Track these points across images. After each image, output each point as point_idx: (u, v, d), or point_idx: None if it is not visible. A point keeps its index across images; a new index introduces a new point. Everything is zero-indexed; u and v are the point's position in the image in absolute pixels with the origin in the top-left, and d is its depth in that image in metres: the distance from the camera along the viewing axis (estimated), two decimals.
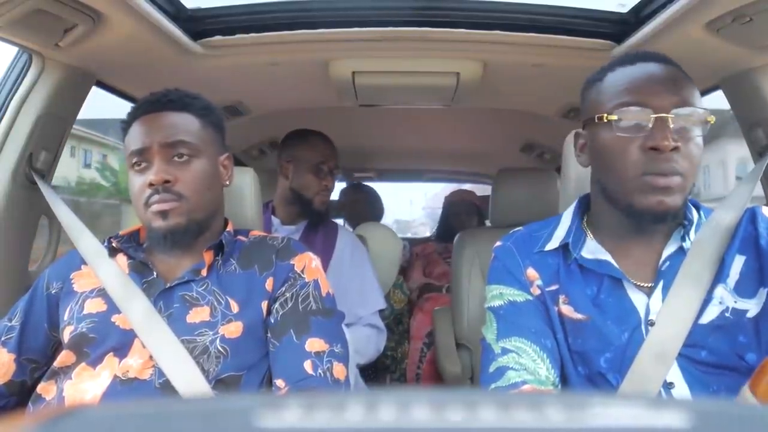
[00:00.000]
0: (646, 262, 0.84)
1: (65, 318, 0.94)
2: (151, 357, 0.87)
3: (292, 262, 0.99)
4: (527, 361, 0.81)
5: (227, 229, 1.03)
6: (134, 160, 0.95)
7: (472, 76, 1.49)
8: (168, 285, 0.94)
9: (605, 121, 0.81)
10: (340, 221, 2.45)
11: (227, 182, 1.04)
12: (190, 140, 0.95)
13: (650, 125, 0.77)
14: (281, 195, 1.69)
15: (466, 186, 3.26)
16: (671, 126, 0.76)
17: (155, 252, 1.00)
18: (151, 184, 0.91)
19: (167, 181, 0.92)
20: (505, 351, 0.83)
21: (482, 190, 3.35)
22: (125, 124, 0.99)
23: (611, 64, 0.86)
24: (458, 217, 2.70)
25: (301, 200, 1.65)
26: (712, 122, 0.79)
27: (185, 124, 0.97)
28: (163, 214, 0.92)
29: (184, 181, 0.93)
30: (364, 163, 3.18)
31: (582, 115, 0.90)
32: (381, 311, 1.69)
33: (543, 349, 0.83)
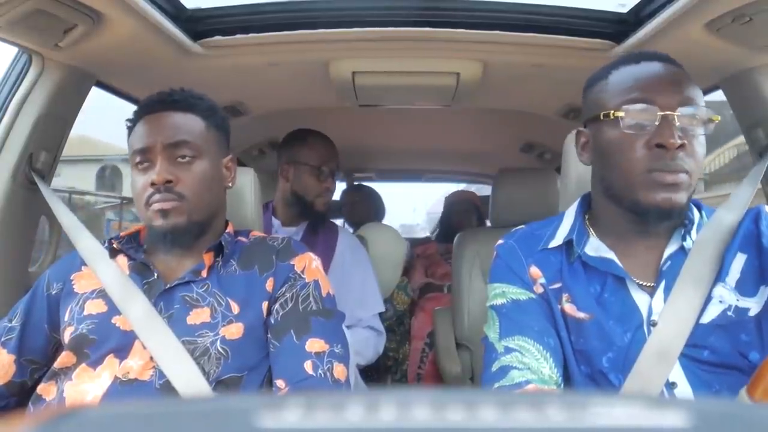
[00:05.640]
0: (647, 262, 0.84)
1: (65, 319, 0.94)
2: (151, 358, 0.87)
3: (292, 263, 0.99)
4: (530, 360, 0.81)
5: (227, 230, 1.03)
6: (137, 159, 0.95)
7: (472, 76, 1.49)
8: (168, 285, 0.94)
9: (611, 118, 0.81)
10: (339, 222, 2.45)
11: (230, 184, 1.04)
12: (194, 141, 0.95)
13: (656, 123, 0.77)
14: (282, 197, 1.68)
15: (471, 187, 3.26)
16: (677, 124, 0.77)
17: (156, 253, 1.00)
18: (152, 184, 0.92)
19: (169, 181, 0.92)
20: (508, 350, 0.83)
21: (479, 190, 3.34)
22: (131, 123, 0.99)
23: (615, 63, 0.86)
24: (459, 216, 2.71)
25: (302, 202, 1.64)
26: (716, 121, 0.80)
27: (189, 125, 0.97)
28: (164, 213, 0.92)
29: (185, 182, 0.93)
30: (364, 163, 3.18)
31: (584, 114, 0.91)
32: (382, 312, 1.69)
33: (546, 347, 0.82)
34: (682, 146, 0.76)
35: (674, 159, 0.76)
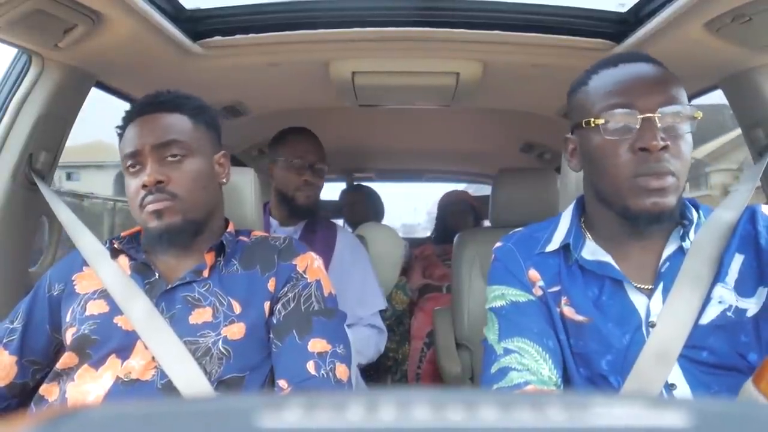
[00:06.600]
0: (645, 264, 0.84)
1: (67, 319, 0.94)
2: (153, 358, 0.87)
3: (294, 263, 0.99)
4: (530, 362, 0.81)
5: (228, 230, 1.03)
6: (128, 163, 0.95)
7: (471, 76, 1.49)
8: (170, 286, 0.94)
9: (593, 125, 0.81)
10: (339, 222, 2.45)
11: (224, 180, 1.04)
12: (182, 139, 0.95)
13: (638, 126, 0.77)
14: (273, 197, 1.70)
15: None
16: (659, 125, 0.76)
17: (156, 253, 0.99)
18: (144, 186, 0.91)
19: (160, 182, 0.92)
20: (507, 351, 0.83)
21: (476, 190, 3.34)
22: (120, 129, 0.99)
23: (595, 66, 0.86)
24: (454, 217, 2.70)
25: (285, 199, 1.64)
26: (699, 117, 0.79)
27: (176, 124, 0.96)
28: (158, 213, 0.92)
29: (176, 181, 0.93)
30: (364, 163, 3.18)
31: (570, 120, 0.90)
32: (382, 312, 1.69)
33: (545, 349, 0.82)
34: (665, 147, 0.75)
35: (659, 161, 0.76)
